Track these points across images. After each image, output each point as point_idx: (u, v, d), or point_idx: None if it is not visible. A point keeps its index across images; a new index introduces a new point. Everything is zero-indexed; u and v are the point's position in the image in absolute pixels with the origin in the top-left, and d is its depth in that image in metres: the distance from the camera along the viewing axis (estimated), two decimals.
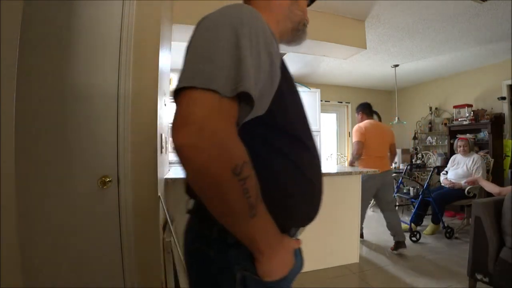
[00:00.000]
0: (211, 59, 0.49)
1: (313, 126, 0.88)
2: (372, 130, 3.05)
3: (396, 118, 4.97)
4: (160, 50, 1.66)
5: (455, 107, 4.71)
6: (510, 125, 4.17)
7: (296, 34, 0.77)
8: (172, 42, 2.75)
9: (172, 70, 2.96)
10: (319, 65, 4.66)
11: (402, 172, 3.97)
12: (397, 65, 4.55)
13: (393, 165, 4.49)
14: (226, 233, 0.54)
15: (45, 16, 1.35)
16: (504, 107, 4.23)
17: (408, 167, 4.00)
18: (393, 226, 2.88)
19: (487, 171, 3.52)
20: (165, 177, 2.02)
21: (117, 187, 1.48)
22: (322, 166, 0.71)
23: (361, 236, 3.04)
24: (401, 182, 3.89)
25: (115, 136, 1.49)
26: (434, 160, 4.82)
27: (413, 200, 3.58)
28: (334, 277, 2.35)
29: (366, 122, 3.13)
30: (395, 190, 3.84)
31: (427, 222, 3.46)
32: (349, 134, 5.91)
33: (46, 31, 1.35)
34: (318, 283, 2.25)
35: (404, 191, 3.91)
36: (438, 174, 3.88)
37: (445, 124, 4.95)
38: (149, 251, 1.59)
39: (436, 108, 5.34)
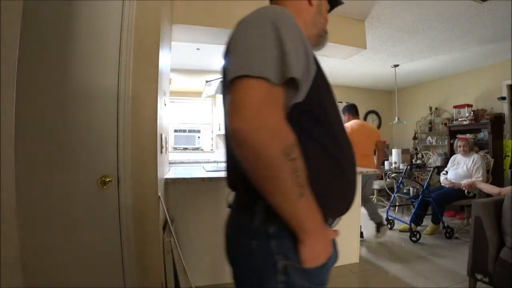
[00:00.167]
0: (259, 51, 0.54)
1: None
2: (359, 129, 3.27)
3: (396, 118, 4.97)
4: (160, 50, 1.66)
5: (455, 107, 4.71)
6: (510, 125, 4.17)
7: (319, 39, 0.83)
8: (172, 42, 2.75)
9: (172, 70, 2.97)
10: None
11: (402, 172, 3.97)
12: (397, 65, 4.55)
13: (393, 165, 4.49)
14: (267, 224, 0.60)
15: (45, 16, 1.35)
16: (504, 107, 4.23)
17: (408, 167, 3.99)
18: (372, 213, 3.18)
19: (487, 171, 3.52)
20: (165, 177, 2.02)
21: (117, 187, 1.48)
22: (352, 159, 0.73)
23: (361, 236, 3.04)
24: (401, 182, 3.89)
25: (115, 136, 1.48)
26: (434, 160, 4.82)
27: (413, 200, 3.58)
28: (334, 277, 2.35)
29: (353, 122, 3.37)
30: (395, 190, 3.84)
31: (427, 222, 3.45)
32: None
33: (46, 31, 1.35)
34: None
35: (404, 191, 3.91)
36: (438, 174, 3.87)
37: (445, 124, 4.95)
38: (149, 251, 1.59)
39: (436, 108, 5.34)
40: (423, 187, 3.42)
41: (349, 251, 2.62)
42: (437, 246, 3.01)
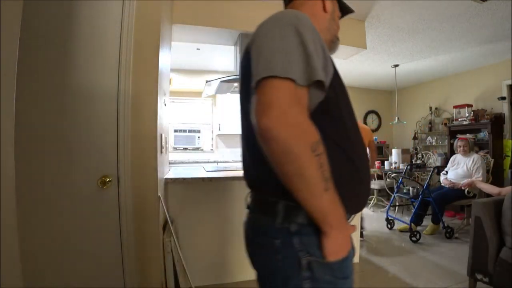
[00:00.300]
0: (284, 54, 0.57)
1: None
2: None
3: (396, 118, 4.97)
4: (160, 50, 1.66)
5: (455, 107, 4.70)
6: (510, 125, 4.17)
7: (331, 45, 0.86)
8: (172, 42, 2.75)
9: (172, 70, 2.96)
10: None
11: (402, 172, 3.97)
12: (397, 65, 4.55)
13: (393, 165, 4.49)
14: (289, 222, 0.62)
15: (45, 16, 1.35)
16: (504, 107, 4.23)
17: (408, 167, 3.99)
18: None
19: (487, 171, 3.52)
20: (165, 177, 2.02)
21: (117, 187, 1.48)
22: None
23: (361, 236, 3.04)
24: (401, 182, 3.89)
25: (115, 136, 1.48)
26: (434, 160, 4.82)
27: (413, 200, 3.58)
28: None
29: None
30: (395, 190, 3.84)
31: (427, 222, 3.45)
32: None
33: (46, 31, 1.35)
34: None
35: (404, 191, 3.91)
36: (438, 174, 3.87)
37: (445, 124, 4.95)
38: (149, 251, 1.59)
39: (436, 108, 5.34)
40: (423, 187, 3.42)
41: None
42: (437, 246, 3.01)
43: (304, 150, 0.53)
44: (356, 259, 2.63)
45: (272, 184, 0.62)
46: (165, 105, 2.14)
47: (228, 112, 4.74)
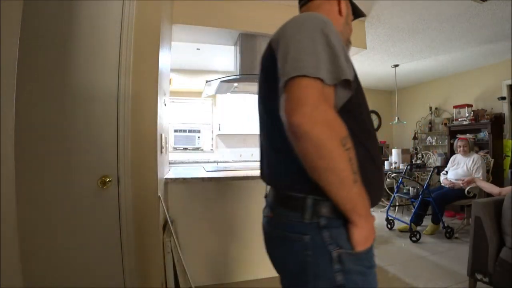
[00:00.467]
0: (313, 54, 0.59)
1: None
2: None
3: (396, 118, 4.97)
4: (160, 50, 1.66)
5: (455, 107, 4.70)
6: (510, 125, 4.17)
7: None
8: (172, 42, 2.75)
9: (172, 70, 2.96)
10: None
11: (402, 172, 3.97)
12: (397, 65, 4.55)
13: (393, 165, 4.49)
14: (318, 217, 0.64)
15: (45, 16, 1.35)
16: (504, 107, 4.23)
17: (408, 167, 3.99)
18: None
19: (487, 171, 3.52)
20: (165, 177, 2.02)
21: (117, 187, 1.48)
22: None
23: None
24: (401, 182, 3.89)
25: (115, 136, 1.49)
26: (434, 160, 4.82)
27: (413, 200, 3.57)
28: None
29: None
30: (395, 190, 3.84)
31: (427, 222, 3.45)
32: None
33: (46, 31, 1.35)
34: None
35: (404, 191, 3.91)
36: (438, 174, 3.87)
37: (445, 124, 4.95)
38: (149, 251, 1.59)
39: (436, 108, 5.34)
40: (423, 187, 3.42)
41: None
42: (437, 246, 3.01)
43: (336, 145, 0.56)
44: None
45: (299, 180, 0.65)
46: (165, 105, 2.14)
47: (228, 112, 4.74)
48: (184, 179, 2.00)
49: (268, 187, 0.81)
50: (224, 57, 4.03)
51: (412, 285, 2.16)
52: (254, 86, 2.78)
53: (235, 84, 2.81)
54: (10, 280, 0.74)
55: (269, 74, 0.69)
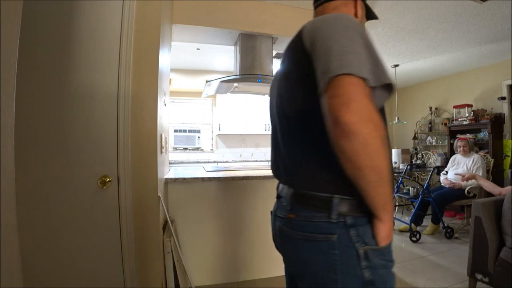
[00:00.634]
0: (356, 54, 0.60)
1: None
2: None
3: (396, 118, 4.97)
4: (160, 50, 1.66)
5: (455, 107, 4.70)
6: (510, 125, 4.17)
7: None
8: (172, 42, 2.75)
9: (172, 70, 2.96)
10: None
11: (402, 172, 3.96)
12: (397, 65, 4.55)
13: (393, 165, 4.49)
14: (344, 216, 0.64)
15: (45, 16, 1.35)
16: (504, 107, 4.23)
17: (408, 167, 3.99)
18: None
19: (487, 171, 3.52)
20: (165, 177, 2.02)
21: (117, 187, 1.48)
22: None
23: None
24: (401, 182, 3.89)
25: (115, 136, 1.49)
26: (434, 160, 4.82)
27: (413, 200, 3.57)
28: None
29: None
30: (395, 190, 3.83)
31: (427, 222, 3.45)
32: None
33: (46, 31, 1.35)
34: None
35: (404, 191, 3.90)
36: (438, 174, 3.87)
37: (445, 124, 4.94)
38: (149, 251, 1.59)
39: (436, 108, 5.34)
40: (423, 187, 3.41)
41: None
42: (437, 246, 3.01)
43: (380, 143, 0.57)
44: None
45: (325, 180, 0.66)
46: (165, 105, 2.14)
47: (228, 112, 4.74)
48: (184, 179, 2.00)
49: (280, 187, 0.80)
50: (224, 57, 4.03)
51: (412, 285, 2.16)
52: (254, 86, 2.78)
53: (235, 84, 2.80)
54: (10, 280, 0.74)
55: (294, 73, 0.70)
